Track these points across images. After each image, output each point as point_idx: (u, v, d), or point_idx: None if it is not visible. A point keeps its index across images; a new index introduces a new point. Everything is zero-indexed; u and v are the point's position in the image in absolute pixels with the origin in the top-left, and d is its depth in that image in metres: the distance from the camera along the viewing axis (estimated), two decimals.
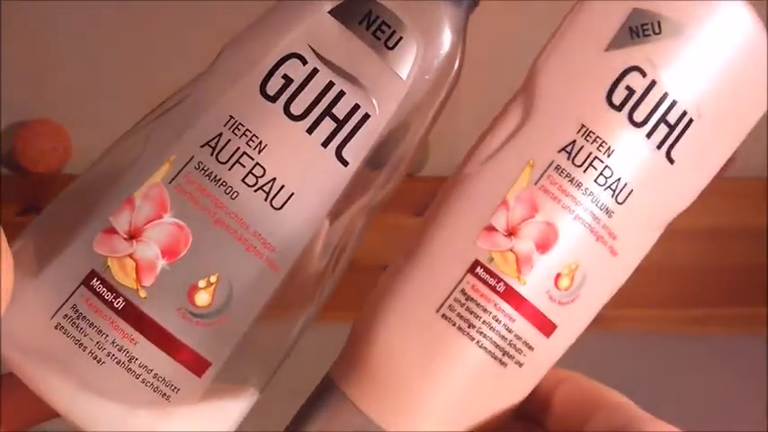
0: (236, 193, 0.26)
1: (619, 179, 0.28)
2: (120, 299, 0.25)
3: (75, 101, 0.76)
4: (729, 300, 0.79)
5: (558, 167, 0.28)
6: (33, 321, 0.25)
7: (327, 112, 0.27)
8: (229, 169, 0.26)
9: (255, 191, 0.26)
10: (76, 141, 0.75)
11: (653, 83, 0.28)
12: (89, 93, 0.75)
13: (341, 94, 0.27)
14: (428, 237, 0.29)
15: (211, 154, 0.26)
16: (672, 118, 0.28)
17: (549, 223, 0.28)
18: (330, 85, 0.27)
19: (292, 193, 0.26)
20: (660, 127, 0.28)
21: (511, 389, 0.29)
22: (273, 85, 0.27)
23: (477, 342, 0.28)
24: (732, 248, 0.79)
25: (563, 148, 0.28)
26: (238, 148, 0.26)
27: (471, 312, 0.28)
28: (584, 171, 0.28)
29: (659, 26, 0.28)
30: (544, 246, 0.28)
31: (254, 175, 0.26)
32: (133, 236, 0.26)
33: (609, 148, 0.28)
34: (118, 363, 0.25)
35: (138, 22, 0.74)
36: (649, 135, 0.28)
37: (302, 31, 0.27)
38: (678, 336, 0.78)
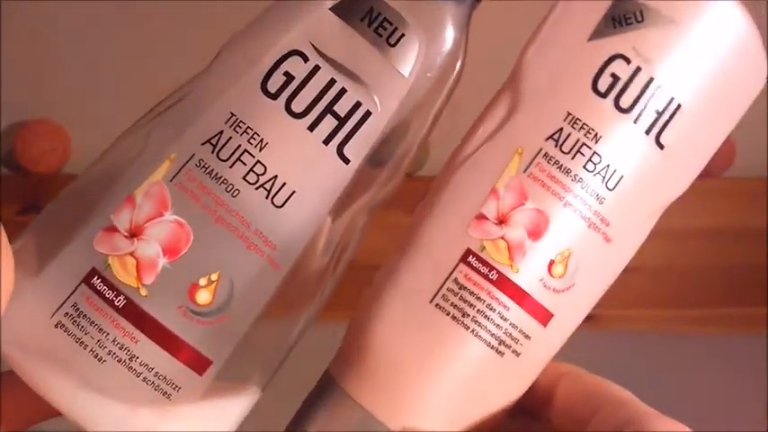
0: (237, 191, 0.26)
1: (608, 165, 0.28)
2: (121, 297, 0.25)
3: (75, 101, 0.75)
4: (729, 300, 0.79)
5: (546, 155, 0.28)
6: (34, 320, 0.25)
7: (329, 109, 0.27)
8: (230, 167, 0.26)
9: (256, 189, 0.26)
10: (76, 141, 0.75)
11: (638, 69, 0.28)
12: (89, 93, 0.75)
13: (342, 91, 0.27)
14: (420, 229, 0.29)
15: (212, 151, 0.26)
16: (659, 104, 0.28)
17: (539, 210, 0.28)
18: (332, 82, 0.27)
19: (293, 191, 0.26)
20: (647, 112, 0.28)
21: (509, 379, 0.29)
22: (274, 83, 0.27)
23: (473, 331, 0.28)
24: (732, 248, 0.79)
25: (550, 136, 0.28)
26: (239, 145, 0.26)
27: (465, 301, 0.28)
28: (573, 158, 0.28)
29: (642, 14, 0.29)
30: (535, 233, 0.28)
31: (256, 173, 0.26)
32: (134, 234, 0.26)
33: (596, 135, 0.28)
34: (119, 361, 0.25)
35: (138, 22, 0.74)
36: (636, 120, 0.28)
37: (303, 28, 0.27)
38: (678, 336, 0.78)
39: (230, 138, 0.26)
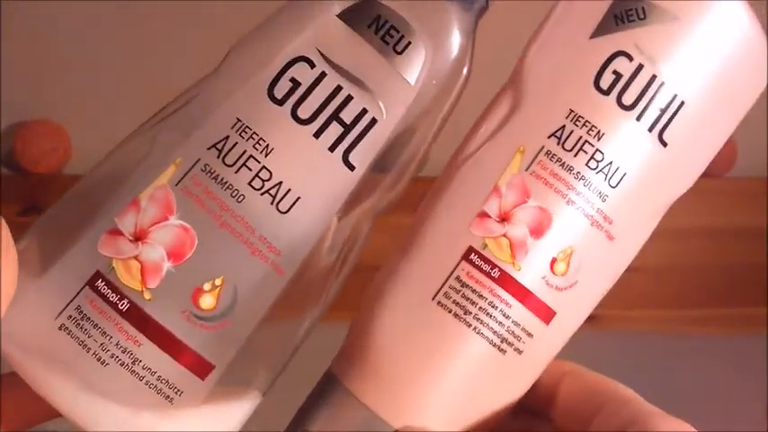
0: (242, 197, 0.26)
1: (611, 163, 0.28)
2: (125, 300, 0.25)
3: (75, 101, 0.75)
4: (729, 300, 0.79)
5: (548, 153, 0.28)
6: (37, 321, 0.25)
7: (335, 116, 0.27)
8: (236, 172, 0.26)
9: (262, 194, 0.26)
10: (76, 142, 0.75)
11: (640, 66, 0.28)
12: (89, 93, 0.75)
13: (348, 98, 0.27)
14: (422, 228, 0.29)
15: (218, 156, 0.26)
16: (662, 101, 0.28)
17: (541, 208, 0.28)
18: (338, 89, 0.27)
19: (298, 197, 0.26)
20: (650, 110, 0.28)
21: (512, 377, 0.29)
22: (281, 89, 0.27)
23: (475, 329, 0.28)
24: (732, 248, 0.79)
25: (553, 134, 0.28)
26: (245, 151, 0.26)
27: (467, 299, 0.28)
28: (575, 155, 0.28)
29: (644, 11, 0.29)
30: (538, 231, 0.28)
31: (261, 179, 0.26)
32: (138, 237, 0.26)
33: (599, 132, 0.28)
34: (121, 364, 0.25)
35: (138, 22, 0.74)
36: (639, 118, 0.28)
37: (310, 35, 0.27)
38: (678, 336, 0.78)
39: (236, 143, 0.26)
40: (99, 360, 0.25)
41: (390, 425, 0.28)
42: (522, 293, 0.28)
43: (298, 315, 0.28)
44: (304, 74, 0.27)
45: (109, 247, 0.26)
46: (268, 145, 0.26)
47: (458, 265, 0.28)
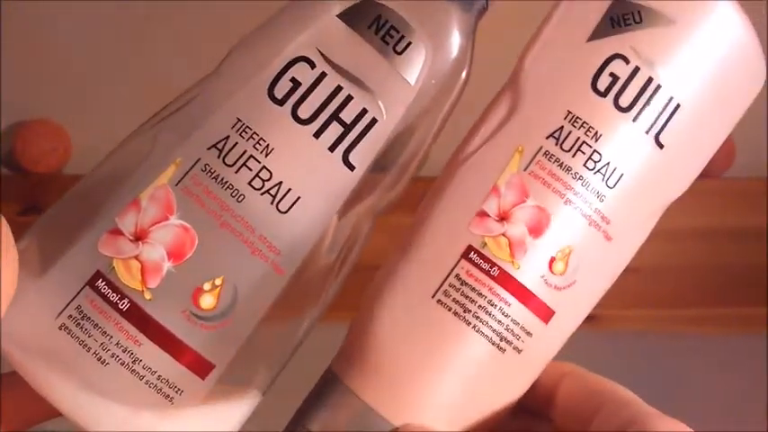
0: (242, 196, 0.26)
1: (608, 163, 0.28)
2: (125, 300, 0.25)
3: (75, 101, 0.75)
4: (729, 300, 0.79)
5: (546, 153, 0.28)
6: (37, 321, 0.25)
7: (335, 116, 0.27)
8: (236, 172, 0.26)
9: (262, 194, 0.26)
10: (76, 141, 0.75)
11: (637, 69, 0.29)
12: (89, 93, 0.75)
13: (348, 98, 0.27)
14: (422, 227, 0.29)
15: (218, 156, 0.26)
16: (658, 103, 0.29)
17: (540, 208, 0.28)
18: (338, 89, 0.27)
19: (298, 197, 0.26)
20: (647, 112, 0.29)
21: (511, 376, 0.29)
22: (281, 89, 0.27)
23: (474, 327, 0.28)
24: (732, 248, 0.79)
25: (551, 135, 0.29)
26: (245, 150, 0.26)
27: (467, 297, 0.28)
28: (573, 156, 0.28)
29: (640, 15, 0.29)
30: (536, 230, 0.28)
31: (261, 179, 0.26)
32: (139, 237, 0.26)
33: (596, 133, 0.28)
34: (122, 364, 0.25)
35: (138, 22, 0.74)
36: (636, 119, 0.29)
37: (311, 35, 0.27)
38: (678, 336, 0.78)
39: (236, 143, 0.26)
40: (99, 360, 0.25)
41: (390, 422, 0.28)
42: (522, 292, 0.28)
43: (297, 314, 0.28)
44: (304, 74, 0.27)
45: (109, 246, 0.26)
46: (268, 145, 0.26)
47: (457, 263, 0.28)
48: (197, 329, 0.26)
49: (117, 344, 0.25)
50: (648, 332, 0.78)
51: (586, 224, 0.28)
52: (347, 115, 0.27)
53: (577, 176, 0.28)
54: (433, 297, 0.28)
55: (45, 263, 0.26)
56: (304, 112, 0.27)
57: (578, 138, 0.28)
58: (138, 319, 0.25)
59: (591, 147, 0.28)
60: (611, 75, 0.28)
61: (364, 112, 0.27)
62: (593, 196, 0.28)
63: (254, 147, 0.26)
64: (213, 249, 0.26)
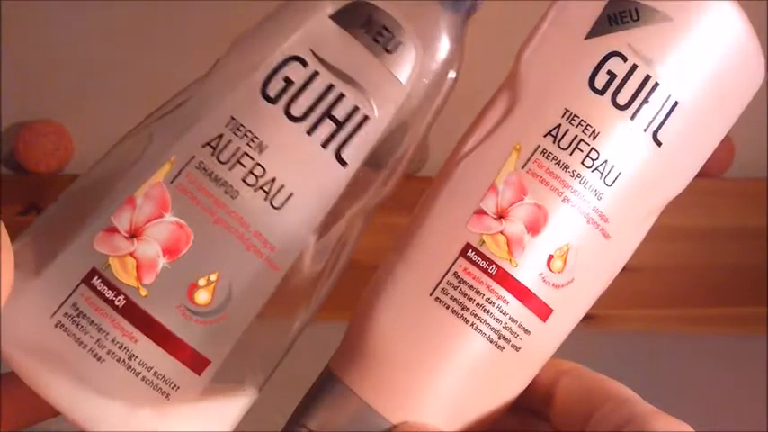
0: (236, 193, 0.26)
1: (606, 161, 0.28)
2: (121, 297, 0.25)
3: (75, 101, 0.76)
4: (729, 299, 0.79)
5: (544, 151, 0.28)
6: (34, 319, 0.26)
7: (327, 113, 0.27)
8: (230, 169, 0.26)
9: (256, 191, 0.26)
10: (77, 142, 0.75)
11: (634, 66, 0.29)
12: (89, 93, 0.75)
13: (340, 96, 0.27)
14: (420, 225, 0.29)
15: (212, 154, 0.26)
16: (656, 101, 0.29)
17: (538, 206, 0.28)
18: (330, 87, 0.27)
19: (292, 193, 0.27)
20: (644, 110, 0.29)
21: (509, 374, 0.29)
22: (274, 87, 0.27)
23: (472, 324, 0.28)
24: (732, 248, 0.79)
25: (548, 133, 0.29)
26: (239, 148, 0.26)
27: (465, 295, 0.28)
28: (571, 154, 0.28)
29: (637, 13, 0.29)
30: (534, 228, 0.28)
31: (255, 175, 0.26)
32: (134, 234, 0.26)
33: (594, 131, 0.28)
34: (118, 360, 0.25)
35: (138, 22, 0.74)
36: (633, 117, 0.28)
37: (303, 35, 0.27)
38: (678, 336, 0.78)
39: (230, 141, 0.26)
40: (95, 356, 0.25)
41: (389, 420, 0.28)
42: (519, 290, 0.28)
43: (291, 311, 0.28)
44: (297, 73, 0.27)
45: (105, 244, 0.26)
46: (262, 142, 0.26)
47: (455, 261, 0.28)
48: (192, 325, 0.26)
49: (113, 340, 0.25)
50: (648, 332, 0.78)
51: (584, 222, 0.28)
52: (339, 113, 0.27)
53: (575, 174, 0.28)
54: (431, 295, 0.28)
55: (41, 262, 0.26)
56: (297, 109, 0.27)
57: (576, 136, 0.28)
58: (134, 315, 0.25)
59: (589, 145, 0.28)
60: (609, 72, 0.28)
61: (356, 109, 0.27)
62: (591, 194, 0.28)
63: (247, 144, 0.26)
64: (208, 245, 0.26)
